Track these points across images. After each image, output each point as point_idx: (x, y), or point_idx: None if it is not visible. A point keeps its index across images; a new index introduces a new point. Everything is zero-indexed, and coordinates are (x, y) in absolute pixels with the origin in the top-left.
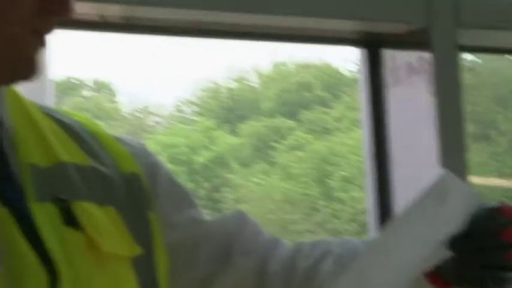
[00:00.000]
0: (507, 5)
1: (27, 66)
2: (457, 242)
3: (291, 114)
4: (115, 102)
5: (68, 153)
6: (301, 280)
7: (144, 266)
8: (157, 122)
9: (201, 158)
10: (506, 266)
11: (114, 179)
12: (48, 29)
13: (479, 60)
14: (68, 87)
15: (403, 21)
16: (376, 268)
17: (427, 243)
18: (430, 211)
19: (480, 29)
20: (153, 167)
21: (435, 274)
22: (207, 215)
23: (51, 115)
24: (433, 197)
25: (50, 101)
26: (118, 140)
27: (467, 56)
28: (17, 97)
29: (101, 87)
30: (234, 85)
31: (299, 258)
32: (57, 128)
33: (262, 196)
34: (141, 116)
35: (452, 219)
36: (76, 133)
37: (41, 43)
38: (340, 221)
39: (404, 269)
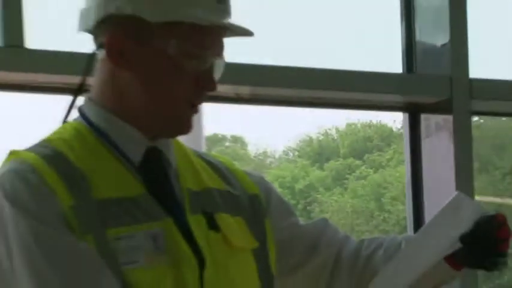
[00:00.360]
0: (508, 84)
1: (185, 126)
2: (466, 237)
3: (359, 157)
4: (246, 150)
5: (212, 182)
6: (363, 263)
7: (261, 256)
8: (271, 162)
9: (300, 185)
10: (500, 254)
11: (242, 198)
12: (200, 101)
13: (482, 121)
14: (215, 140)
15: (433, 94)
16: (412, 255)
17: (446, 238)
18: (448, 218)
19: (487, 100)
20: (268, 190)
21: (452, 258)
22: (302, 221)
23: (202, 157)
24: (450, 209)
25: (202, 149)
26: (246, 172)
27: (476, 118)
28: (180, 146)
29: (236, 140)
30: (321, 138)
31: (362, 249)
32: (205, 165)
33: (338, 209)
34: (262, 158)
35: (464, 223)
36: (218, 168)
37: (195, 111)
38: (388, 224)
39: (431, 255)
